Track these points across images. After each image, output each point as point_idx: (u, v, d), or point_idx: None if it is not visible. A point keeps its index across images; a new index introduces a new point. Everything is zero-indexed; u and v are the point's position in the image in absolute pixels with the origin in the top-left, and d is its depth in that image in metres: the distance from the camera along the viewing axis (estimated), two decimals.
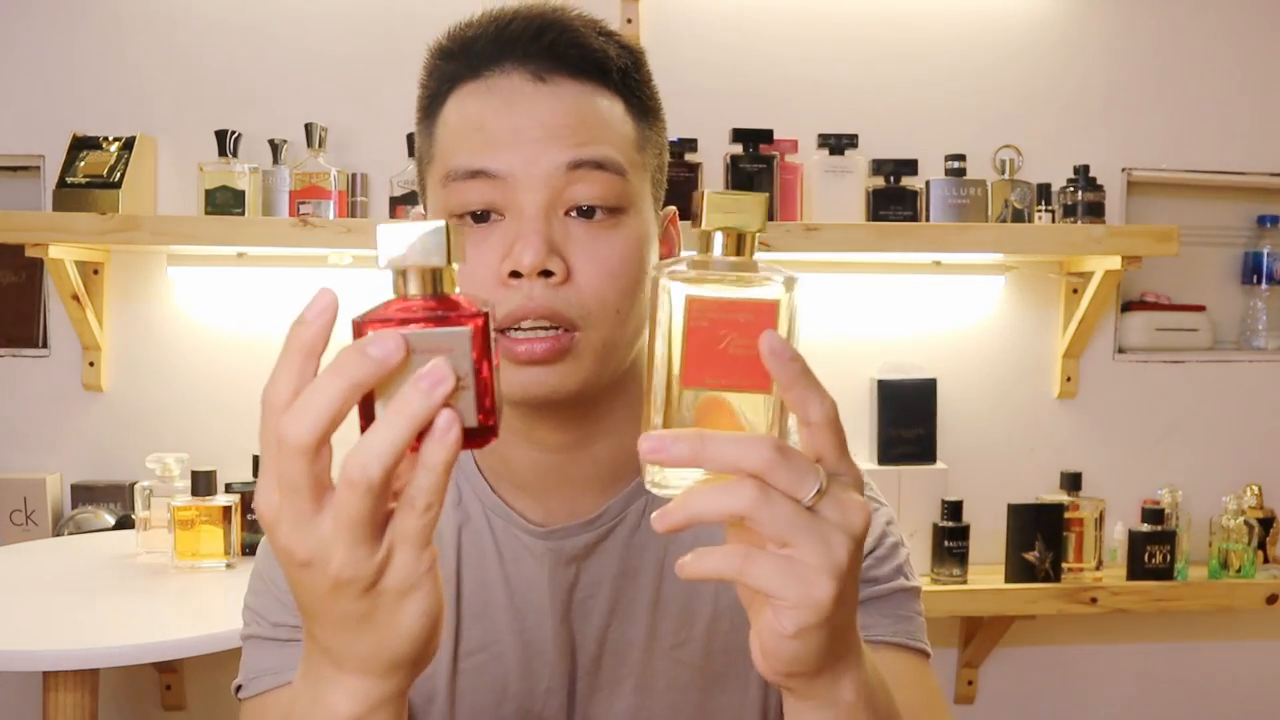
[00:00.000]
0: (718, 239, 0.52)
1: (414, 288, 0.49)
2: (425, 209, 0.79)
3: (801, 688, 0.55)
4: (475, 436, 0.50)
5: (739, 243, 0.52)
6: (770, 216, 1.85)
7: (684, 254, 0.55)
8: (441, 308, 0.49)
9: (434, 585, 0.52)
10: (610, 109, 0.75)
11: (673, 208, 0.83)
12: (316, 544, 0.50)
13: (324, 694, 0.55)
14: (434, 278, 0.49)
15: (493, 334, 0.50)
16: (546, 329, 0.70)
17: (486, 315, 0.49)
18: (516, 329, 0.71)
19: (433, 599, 0.52)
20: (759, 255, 0.54)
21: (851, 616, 0.55)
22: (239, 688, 0.79)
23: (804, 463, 0.50)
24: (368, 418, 0.49)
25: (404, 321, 0.48)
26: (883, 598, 0.79)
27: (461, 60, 0.75)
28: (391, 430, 0.47)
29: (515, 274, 0.70)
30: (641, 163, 0.77)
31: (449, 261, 0.49)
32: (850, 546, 0.50)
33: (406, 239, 0.49)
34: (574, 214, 0.72)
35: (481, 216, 0.73)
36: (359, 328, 0.48)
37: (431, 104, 0.77)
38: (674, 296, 0.51)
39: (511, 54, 0.73)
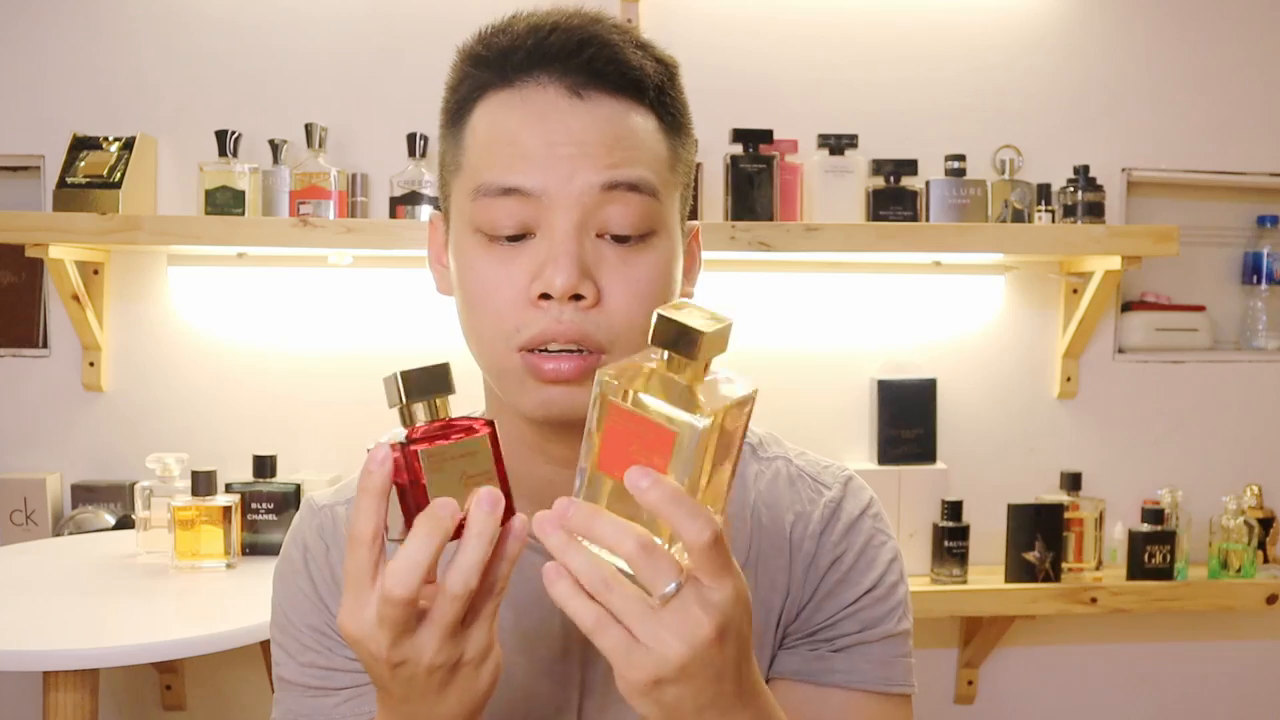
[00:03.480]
0: (664, 354, 0.58)
1: (423, 416, 0.62)
2: (448, 216, 0.78)
3: None
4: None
5: (681, 364, 0.57)
6: (770, 217, 1.85)
7: (646, 362, 0.59)
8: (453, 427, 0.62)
9: (498, 645, 0.64)
10: (644, 125, 0.74)
11: (695, 223, 0.83)
12: (412, 650, 0.60)
13: None
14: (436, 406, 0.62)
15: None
16: (574, 350, 0.70)
17: (492, 422, 0.63)
18: (544, 349, 0.71)
19: (498, 656, 0.64)
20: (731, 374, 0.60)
21: (715, 698, 0.59)
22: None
23: (665, 564, 0.56)
24: (412, 509, 0.61)
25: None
26: (870, 644, 0.79)
27: (495, 68, 0.74)
28: (476, 550, 0.59)
29: (545, 295, 0.70)
30: (673, 181, 0.76)
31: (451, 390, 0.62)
32: (684, 652, 0.56)
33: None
34: (606, 236, 0.72)
35: (512, 236, 0.72)
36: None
37: (459, 109, 0.76)
38: (602, 398, 0.58)
39: (549, 66, 0.72)
